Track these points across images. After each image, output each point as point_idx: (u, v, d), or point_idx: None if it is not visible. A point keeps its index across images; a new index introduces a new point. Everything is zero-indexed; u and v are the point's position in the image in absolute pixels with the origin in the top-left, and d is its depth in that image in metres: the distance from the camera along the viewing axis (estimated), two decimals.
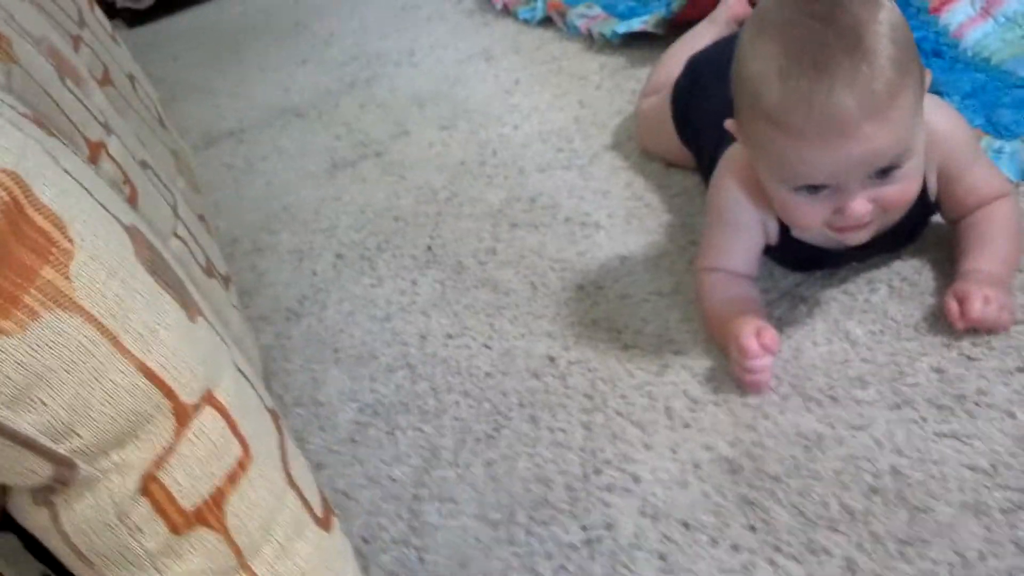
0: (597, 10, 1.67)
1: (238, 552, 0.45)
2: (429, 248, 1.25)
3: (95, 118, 0.73)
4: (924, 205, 0.90)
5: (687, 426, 0.87)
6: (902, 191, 0.81)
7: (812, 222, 0.84)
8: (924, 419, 0.80)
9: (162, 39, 2.46)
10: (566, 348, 1.01)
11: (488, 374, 1.01)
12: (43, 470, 0.40)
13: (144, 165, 0.88)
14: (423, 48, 1.86)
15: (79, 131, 0.68)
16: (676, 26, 1.46)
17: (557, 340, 1.02)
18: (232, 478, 0.44)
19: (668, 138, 1.19)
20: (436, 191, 1.37)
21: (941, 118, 0.88)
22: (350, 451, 0.98)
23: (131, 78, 1.30)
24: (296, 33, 2.18)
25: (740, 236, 0.94)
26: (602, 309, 1.04)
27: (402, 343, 1.10)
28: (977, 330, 0.85)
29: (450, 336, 1.08)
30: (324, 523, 0.52)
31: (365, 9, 2.17)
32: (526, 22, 1.80)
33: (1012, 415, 0.78)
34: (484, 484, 0.89)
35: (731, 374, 0.89)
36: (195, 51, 2.31)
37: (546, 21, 1.77)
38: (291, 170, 1.58)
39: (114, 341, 0.40)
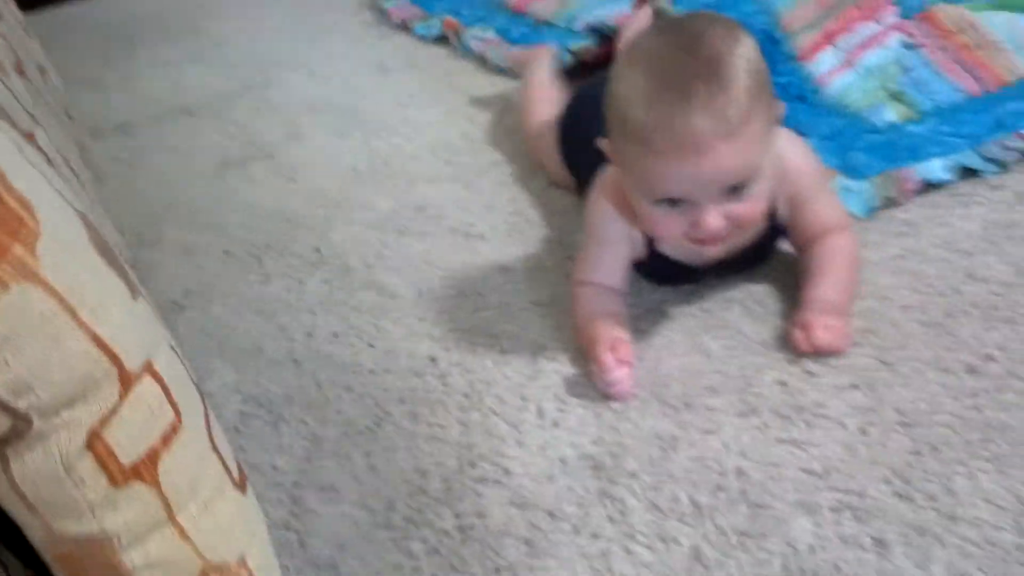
0: (492, 34, 1.74)
1: (167, 506, 0.50)
2: (317, 250, 1.30)
3: (24, 108, 0.76)
4: (774, 229, 1.00)
5: (556, 426, 0.94)
6: (751, 209, 0.91)
7: (672, 233, 0.93)
8: (767, 426, 0.89)
9: (54, 28, 2.43)
10: (447, 350, 1.07)
11: (371, 371, 1.06)
12: (1, 423, 0.44)
13: (64, 158, 0.90)
14: (319, 57, 1.90)
15: (13, 121, 0.70)
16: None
17: (439, 342, 1.08)
18: (165, 440, 0.49)
19: (552, 161, 1.26)
20: (326, 195, 1.42)
21: (795, 153, 0.98)
22: (234, 440, 1.02)
23: (41, 70, 1.30)
24: (191, 33, 2.19)
25: (610, 250, 1.02)
26: (482, 316, 1.11)
27: (288, 339, 1.14)
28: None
29: (335, 334, 1.13)
30: (241, 486, 0.57)
31: (262, 15, 2.20)
32: (422, 38, 1.86)
33: (844, 426, 0.88)
34: (364, 474, 0.94)
35: (595, 382, 0.96)
36: (85, 43, 2.28)
37: (441, 39, 1.84)
38: (180, 167, 1.60)
39: (72, 313, 0.45)
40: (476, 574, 0.82)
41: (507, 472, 0.90)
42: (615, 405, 0.94)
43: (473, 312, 1.12)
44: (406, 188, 1.39)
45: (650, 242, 1.01)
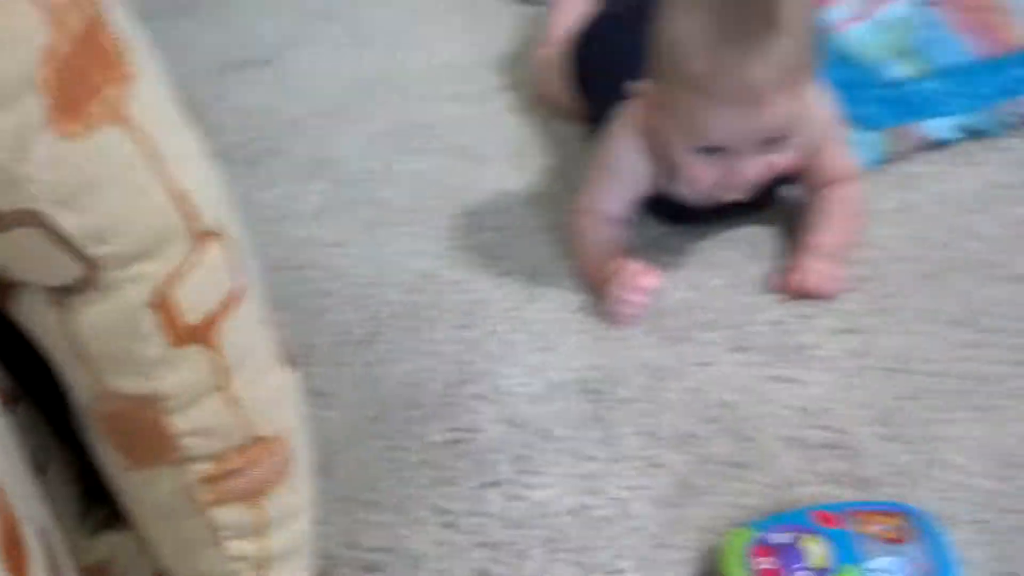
0: None
1: (222, 370, 0.50)
2: (314, 159, 1.29)
3: None
4: (780, 176, 1.01)
5: (552, 349, 0.95)
6: (786, 159, 0.92)
7: (705, 182, 0.93)
8: (760, 363, 0.91)
9: None
10: (445, 268, 1.07)
11: (370, 283, 1.07)
12: (71, 270, 0.44)
13: None
14: None
15: None
16: None
17: (437, 259, 1.08)
18: (227, 305, 0.49)
19: (559, 89, 1.26)
20: (326, 106, 1.40)
21: (817, 101, 0.98)
22: None
23: None
24: None
25: (623, 182, 1.02)
26: (480, 238, 1.11)
27: (288, 246, 1.14)
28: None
29: (335, 244, 1.13)
30: (290, 364, 0.58)
31: None
32: None
33: (835, 368, 0.90)
34: (360, 382, 0.95)
35: (606, 305, 0.97)
36: None
37: None
38: (175, 67, 1.57)
39: (158, 163, 0.45)
40: (467, 488, 0.83)
41: (501, 391, 0.92)
42: (613, 333, 0.96)
43: (471, 233, 1.12)
44: (409, 105, 1.38)
45: (661, 182, 1.01)
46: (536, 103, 1.33)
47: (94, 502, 0.58)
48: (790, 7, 0.86)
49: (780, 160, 0.91)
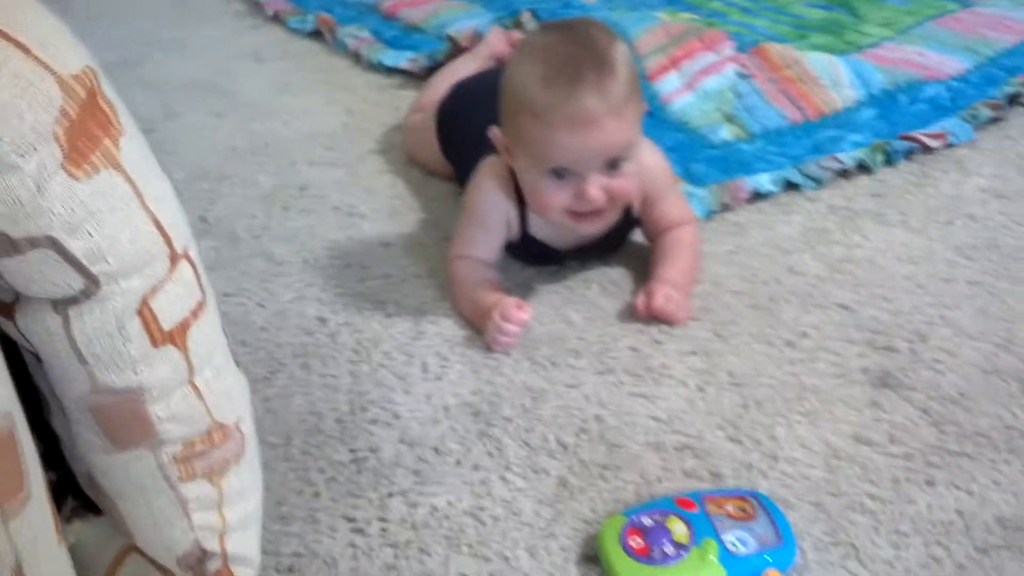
0: (366, 33, 1.85)
1: (190, 368, 0.60)
2: (203, 219, 1.37)
3: None
4: (629, 219, 1.17)
5: (439, 378, 1.06)
6: (626, 185, 1.07)
7: (558, 205, 1.07)
8: (621, 383, 1.04)
9: None
10: (335, 312, 1.17)
11: (263, 328, 1.15)
12: (76, 284, 0.54)
13: None
14: (194, 41, 1.95)
15: None
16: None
17: (327, 306, 1.18)
18: (195, 313, 0.59)
19: (431, 150, 1.39)
20: (208, 170, 1.49)
21: (650, 155, 1.16)
22: None
23: None
24: (61, 5, 2.18)
25: (488, 231, 1.16)
26: (367, 284, 1.21)
27: None
28: (663, 322, 1.11)
29: (226, 295, 1.21)
30: (239, 365, 0.67)
31: None
32: (295, 31, 1.95)
33: (685, 384, 1.04)
34: (263, 416, 1.02)
35: (485, 338, 1.09)
36: None
37: (314, 33, 1.93)
38: None
39: (141, 199, 0.55)
40: (371, 498, 0.92)
41: (396, 416, 1.02)
42: (491, 362, 1.07)
43: (358, 281, 1.22)
44: (287, 168, 1.48)
45: (524, 225, 1.15)
46: (408, 165, 1.46)
47: (63, 497, 0.66)
48: (615, 51, 1.04)
49: (620, 184, 1.06)
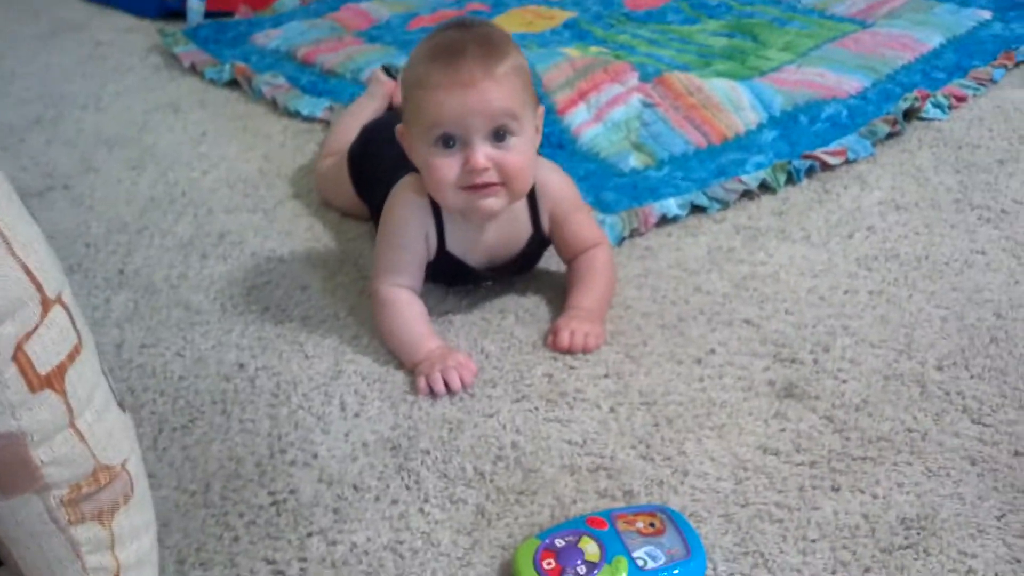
0: (282, 80, 1.87)
1: (70, 411, 0.60)
2: (121, 271, 1.37)
3: None
4: (541, 239, 1.20)
5: (357, 415, 1.07)
6: (514, 160, 1.09)
7: (450, 176, 1.09)
8: (537, 409, 1.06)
9: None
10: (254, 357, 1.18)
11: (182, 377, 1.16)
12: None
13: None
14: (110, 95, 1.96)
15: None
16: None
17: (246, 351, 1.19)
18: (71, 357, 0.60)
19: (346, 193, 1.41)
20: (126, 223, 1.49)
21: (555, 177, 1.20)
22: None
23: None
24: None
25: (408, 248, 1.18)
26: (286, 327, 1.23)
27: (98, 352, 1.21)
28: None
29: (144, 346, 1.21)
30: (122, 406, 0.68)
31: (49, 54, 2.22)
32: (212, 81, 1.96)
33: (598, 407, 1.06)
34: (182, 464, 1.03)
35: (416, 378, 1.10)
36: None
37: (232, 82, 1.94)
38: None
39: (9, 247, 0.56)
40: (290, 539, 0.93)
41: (315, 456, 1.03)
42: (409, 397, 1.09)
43: (277, 324, 1.23)
44: (205, 217, 1.49)
45: (441, 240, 1.17)
46: (325, 207, 1.48)
47: None
48: (504, 42, 1.10)
49: (511, 159, 1.09)
